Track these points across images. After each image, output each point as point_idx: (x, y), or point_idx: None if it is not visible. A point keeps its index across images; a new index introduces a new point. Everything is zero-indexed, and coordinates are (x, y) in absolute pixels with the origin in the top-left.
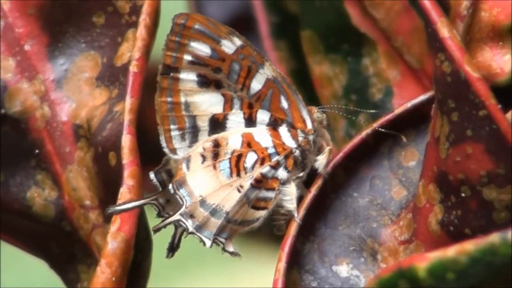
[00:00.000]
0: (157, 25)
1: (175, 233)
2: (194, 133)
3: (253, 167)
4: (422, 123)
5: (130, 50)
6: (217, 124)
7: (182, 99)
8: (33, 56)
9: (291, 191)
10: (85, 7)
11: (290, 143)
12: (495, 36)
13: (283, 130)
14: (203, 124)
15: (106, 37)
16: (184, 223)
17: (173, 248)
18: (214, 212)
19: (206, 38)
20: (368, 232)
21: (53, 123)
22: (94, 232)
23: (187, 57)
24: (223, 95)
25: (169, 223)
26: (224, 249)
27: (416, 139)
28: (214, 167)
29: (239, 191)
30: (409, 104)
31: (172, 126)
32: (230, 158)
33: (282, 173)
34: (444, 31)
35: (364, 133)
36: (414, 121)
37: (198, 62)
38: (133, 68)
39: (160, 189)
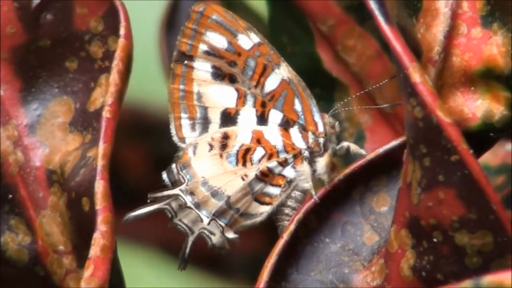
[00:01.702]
0: (129, 70)
1: (186, 242)
2: (204, 125)
3: (259, 160)
4: (394, 169)
5: (103, 96)
6: (229, 118)
7: (195, 89)
8: (6, 101)
9: (305, 170)
10: (58, 52)
11: (300, 144)
12: (466, 81)
13: (294, 131)
14: (214, 116)
15: (79, 82)
16: (183, 198)
17: (184, 259)
18: (215, 193)
19: (224, 30)
20: (340, 278)
21: (27, 168)
22: (68, 277)
23: (203, 47)
24: (236, 90)
25: (167, 197)
26: (223, 233)
27: (388, 185)
28: (221, 156)
29: (243, 179)
30: (380, 150)
31: (183, 115)
32: (237, 150)
33: (289, 172)
34: (415, 76)
35: (336, 179)
36: (385, 166)
37: (213, 53)
38: (106, 114)
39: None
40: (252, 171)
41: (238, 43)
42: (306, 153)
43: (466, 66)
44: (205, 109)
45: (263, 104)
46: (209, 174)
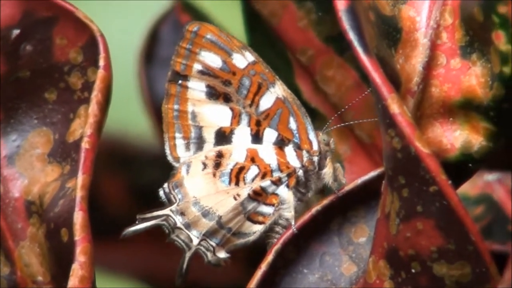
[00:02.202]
0: (109, 101)
1: (183, 258)
2: (199, 144)
3: (253, 179)
4: (372, 200)
5: (82, 127)
6: (223, 137)
7: (190, 108)
8: None
9: (288, 199)
10: (38, 83)
11: (294, 162)
12: (445, 112)
13: (289, 150)
14: (209, 136)
15: (58, 113)
16: (173, 218)
17: (182, 274)
18: (206, 213)
19: (218, 49)
20: None
21: (6, 199)
22: None
23: (197, 66)
24: (231, 109)
25: (157, 217)
26: (214, 253)
27: (366, 216)
28: (214, 175)
29: (235, 198)
30: (359, 181)
31: (177, 134)
32: (231, 169)
33: (283, 191)
34: (394, 107)
35: (314, 210)
36: (364, 197)
37: (208, 72)
38: (85, 145)
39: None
40: (244, 191)
41: (233, 62)
42: (301, 172)
43: (445, 97)
44: (199, 128)
45: (258, 123)
46: (201, 193)
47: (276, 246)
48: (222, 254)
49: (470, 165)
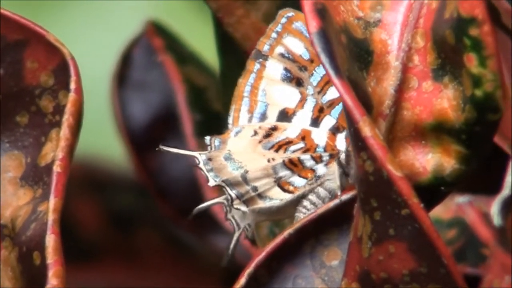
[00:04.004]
0: (80, 124)
1: (232, 238)
2: (261, 120)
3: (293, 151)
4: (345, 223)
5: (54, 150)
6: (285, 117)
7: (262, 86)
8: None
9: (333, 170)
10: (9, 106)
11: (341, 146)
12: (417, 135)
13: (341, 136)
14: (272, 114)
15: (30, 137)
16: (198, 159)
17: (228, 254)
18: (233, 163)
19: (304, 37)
20: None
21: None
22: None
23: (280, 49)
24: (300, 92)
25: (182, 154)
26: (232, 204)
27: (338, 239)
28: (260, 141)
29: (268, 161)
30: (331, 204)
31: (243, 107)
32: (279, 141)
33: (321, 169)
34: (366, 130)
35: (286, 233)
36: (336, 220)
37: (288, 56)
38: (56, 168)
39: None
40: (281, 157)
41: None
42: (343, 156)
43: (417, 119)
44: (266, 105)
45: (321, 110)
46: (237, 149)
47: (249, 269)
48: (243, 207)
49: (442, 188)
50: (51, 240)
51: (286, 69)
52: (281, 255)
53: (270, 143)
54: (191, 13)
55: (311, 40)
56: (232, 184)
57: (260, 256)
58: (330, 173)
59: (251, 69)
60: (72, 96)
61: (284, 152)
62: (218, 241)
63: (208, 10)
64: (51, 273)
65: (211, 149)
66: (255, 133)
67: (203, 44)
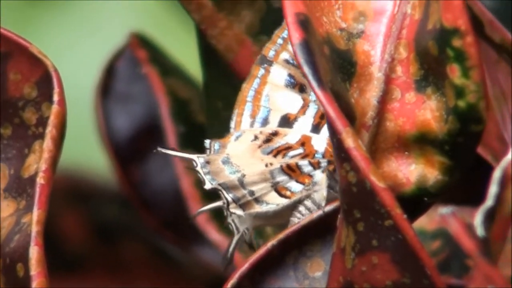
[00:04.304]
0: (63, 136)
1: (230, 242)
2: (263, 125)
3: (292, 157)
4: (328, 234)
5: (37, 162)
6: (287, 122)
7: (265, 91)
8: None
9: (321, 181)
10: None
11: None
12: (400, 146)
13: None
14: (274, 119)
15: (13, 149)
16: (195, 161)
17: (227, 258)
18: (230, 167)
19: None
20: None
21: None
22: None
23: (285, 55)
24: (303, 99)
25: (184, 158)
26: (228, 208)
27: (322, 250)
28: (259, 146)
29: (266, 165)
30: (314, 215)
31: (246, 112)
32: (278, 146)
33: (318, 175)
34: (349, 141)
35: (269, 244)
36: (320, 231)
37: (292, 62)
38: (40, 180)
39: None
40: (279, 162)
41: None
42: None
43: (400, 131)
44: (268, 111)
45: (322, 116)
46: (236, 153)
47: (232, 280)
48: (238, 211)
49: (426, 199)
50: (34, 252)
51: (290, 75)
52: (265, 266)
53: (270, 148)
54: (175, 25)
55: (294, 51)
56: (229, 187)
57: (243, 267)
58: (318, 185)
59: (255, 74)
60: (55, 108)
61: (283, 157)
62: (202, 252)
63: (191, 22)
64: (34, 284)
65: (210, 152)
66: (256, 138)
67: (187, 56)
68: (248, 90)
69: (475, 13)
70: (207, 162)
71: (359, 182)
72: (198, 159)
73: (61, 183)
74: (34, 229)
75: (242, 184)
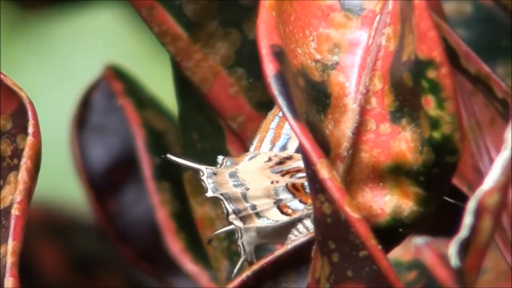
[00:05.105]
0: (38, 167)
1: (236, 263)
2: (281, 151)
3: (299, 178)
4: (303, 265)
5: (12, 193)
6: None
7: None
8: None
9: None
10: None
11: None
12: (375, 177)
13: None
14: (292, 146)
15: None
16: (202, 171)
17: (231, 278)
18: (236, 180)
19: None
20: None
21: None
22: None
23: None
24: None
25: (184, 166)
26: (227, 218)
27: (296, 281)
28: (271, 167)
29: (272, 182)
30: (289, 246)
31: (267, 139)
32: (289, 169)
33: None
34: (323, 172)
35: (244, 275)
36: (294, 262)
37: None
38: (15, 211)
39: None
40: (284, 180)
41: None
42: None
43: (374, 162)
44: (288, 138)
45: None
46: (244, 169)
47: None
48: (238, 223)
49: (401, 230)
50: (9, 283)
51: None
52: None
53: (280, 169)
54: (150, 57)
55: (268, 83)
56: (231, 198)
57: None
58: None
59: None
60: (30, 139)
61: (290, 177)
62: (178, 283)
63: (166, 54)
64: None
65: (220, 166)
66: (269, 159)
67: (162, 88)
68: (274, 118)
69: (451, 44)
70: (214, 173)
71: (333, 213)
72: (206, 170)
73: (36, 214)
74: (9, 260)
75: (245, 197)
